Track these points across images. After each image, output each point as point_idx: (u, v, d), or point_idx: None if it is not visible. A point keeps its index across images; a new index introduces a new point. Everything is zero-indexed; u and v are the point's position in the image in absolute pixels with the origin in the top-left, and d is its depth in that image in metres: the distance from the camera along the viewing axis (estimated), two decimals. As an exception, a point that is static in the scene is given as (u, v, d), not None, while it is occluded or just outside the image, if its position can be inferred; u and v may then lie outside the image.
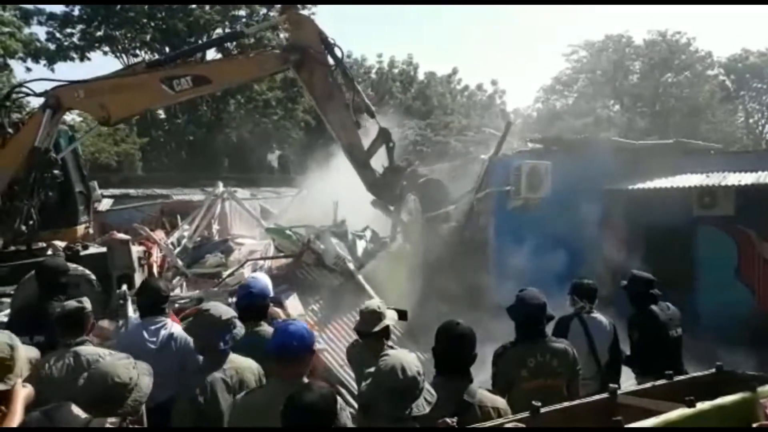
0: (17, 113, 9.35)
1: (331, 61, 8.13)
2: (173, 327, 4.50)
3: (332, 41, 8.07)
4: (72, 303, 3.98)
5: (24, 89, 8.90)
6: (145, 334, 4.31)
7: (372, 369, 2.95)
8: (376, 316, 4.31)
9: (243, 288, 4.22)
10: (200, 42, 26.85)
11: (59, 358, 3.77)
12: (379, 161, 8.45)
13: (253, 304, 4.04)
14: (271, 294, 4.34)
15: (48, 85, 8.25)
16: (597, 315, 5.23)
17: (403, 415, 2.79)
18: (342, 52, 8.18)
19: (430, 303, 7.99)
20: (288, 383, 3.09)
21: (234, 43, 27.03)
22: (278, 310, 5.54)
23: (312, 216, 9.96)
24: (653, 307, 5.34)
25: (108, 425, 2.57)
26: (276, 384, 3.24)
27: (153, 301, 4.49)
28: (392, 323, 4.52)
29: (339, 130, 8.42)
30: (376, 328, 4.21)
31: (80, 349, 3.81)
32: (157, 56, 24.83)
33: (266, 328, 3.98)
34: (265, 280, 4.84)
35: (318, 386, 2.73)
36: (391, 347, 4.36)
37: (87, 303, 4.04)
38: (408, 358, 2.94)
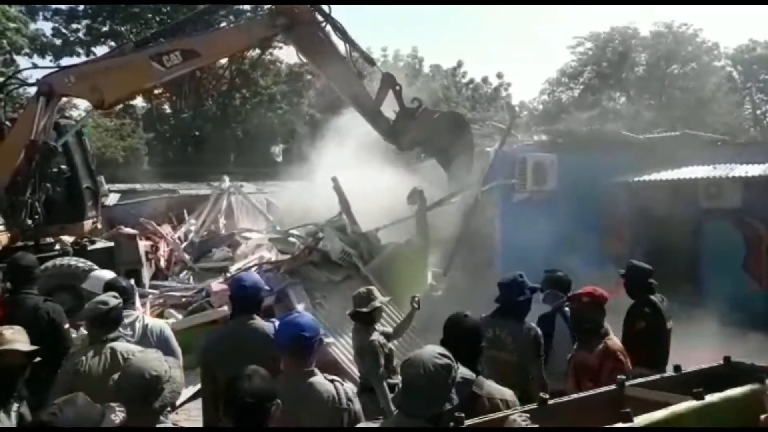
0: (21, 108, 9.41)
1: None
2: (146, 319, 4.77)
3: None
4: (110, 299, 3.98)
5: (16, 81, 8.95)
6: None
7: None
8: (364, 299, 4.84)
9: (236, 281, 4.24)
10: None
11: (96, 354, 3.75)
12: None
13: (246, 297, 4.03)
14: (265, 287, 4.33)
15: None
16: None
17: (412, 412, 2.68)
18: (330, 7, 7.97)
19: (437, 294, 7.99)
20: (299, 377, 3.13)
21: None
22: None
23: (317, 209, 9.94)
24: (653, 297, 5.20)
25: (118, 412, 2.60)
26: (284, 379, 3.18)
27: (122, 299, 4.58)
28: (381, 306, 4.98)
29: (340, 83, 8.33)
30: (364, 309, 4.74)
31: (116, 345, 3.82)
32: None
33: (259, 321, 3.98)
34: (256, 275, 4.93)
35: (255, 370, 2.73)
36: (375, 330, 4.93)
37: (119, 299, 4.07)
38: (421, 354, 2.76)
